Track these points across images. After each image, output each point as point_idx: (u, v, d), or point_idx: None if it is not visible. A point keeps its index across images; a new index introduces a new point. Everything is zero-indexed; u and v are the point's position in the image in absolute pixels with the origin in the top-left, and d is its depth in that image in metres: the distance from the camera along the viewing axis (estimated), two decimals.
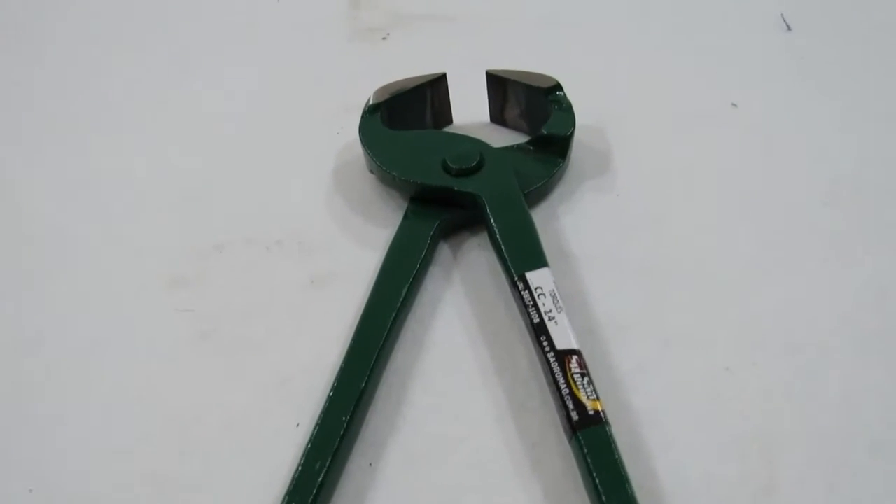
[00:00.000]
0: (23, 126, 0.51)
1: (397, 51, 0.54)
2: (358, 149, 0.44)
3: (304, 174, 0.46)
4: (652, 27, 0.53)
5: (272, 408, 0.37)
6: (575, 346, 0.35)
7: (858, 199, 0.43)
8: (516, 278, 0.37)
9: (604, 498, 0.31)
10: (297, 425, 0.36)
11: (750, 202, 0.43)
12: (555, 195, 0.44)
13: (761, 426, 0.35)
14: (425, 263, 0.40)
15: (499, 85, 0.46)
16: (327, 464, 0.34)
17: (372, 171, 0.44)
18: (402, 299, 0.39)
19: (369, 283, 0.40)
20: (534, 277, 0.37)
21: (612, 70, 0.50)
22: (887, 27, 0.51)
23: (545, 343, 0.35)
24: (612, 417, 0.34)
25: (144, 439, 0.37)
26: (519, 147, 0.44)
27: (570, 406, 0.33)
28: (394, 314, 0.38)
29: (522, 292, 0.37)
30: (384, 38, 0.55)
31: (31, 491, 0.36)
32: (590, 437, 0.33)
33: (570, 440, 0.33)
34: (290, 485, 0.33)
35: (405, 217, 0.42)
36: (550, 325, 0.35)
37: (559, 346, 0.35)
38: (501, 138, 0.46)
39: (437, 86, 0.46)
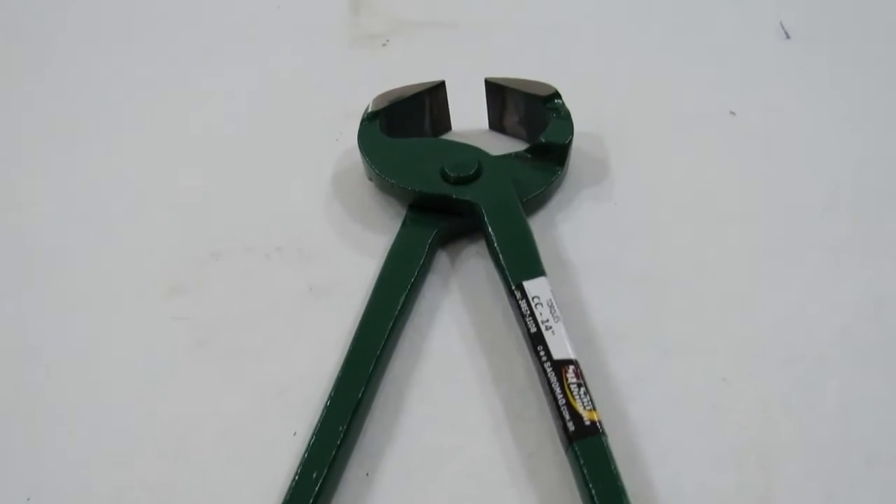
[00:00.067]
0: (20, 131, 0.51)
1: (397, 57, 0.54)
2: (357, 155, 0.44)
3: (303, 181, 0.46)
4: (651, 35, 0.53)
5: (269, 416, 0.37)
6: (572, 356, 0.35)
7: (857, 207, 0.43)
8: (514, 287, 0.37)
9: None
10: (294, 434, 0.36)
11: (748, 211, 0.43)
12: (553, 203, 0.44)
13: (758, 437, 0.35)
14: (423, 272, 0.40)
15: (497, 92, 0.46)
16: (324, 473, 0.34)
17: (371, 179, 0.44)
18: (399, 308, 0.39)
19: (367, 291, 0.40)
20: (531, 287, 0.37)
21: (611, 78, 0.50)
22: (886, 35, 0.51)
23: (542, 353, 0.35)
24: (608, 427, 0.34)
25: (141, 447, 0.37)
26: (517, 155, 0.44)
27: (567, 416, 0.33)
28: (391, 323, 0.38)
29: (520, 301, 0.37)
30: (384, 45, 0.55)
31: (28, 499, 0.36)
32: (586, 447, 0.33)
33: (566, 450, 0.33)
34: (287, 494, 0.33)
35: (403, 225, 0.42)
36: (547, 335, 0.35)
37: (556, 356, 0.35)
38: (500, 146, 0.46)
39: (435, 93, 0.46)
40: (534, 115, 0.45)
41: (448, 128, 0.48)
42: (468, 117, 0.47)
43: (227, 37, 0.56)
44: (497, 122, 0.47)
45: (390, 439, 0.36)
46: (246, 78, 0.53)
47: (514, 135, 0.47)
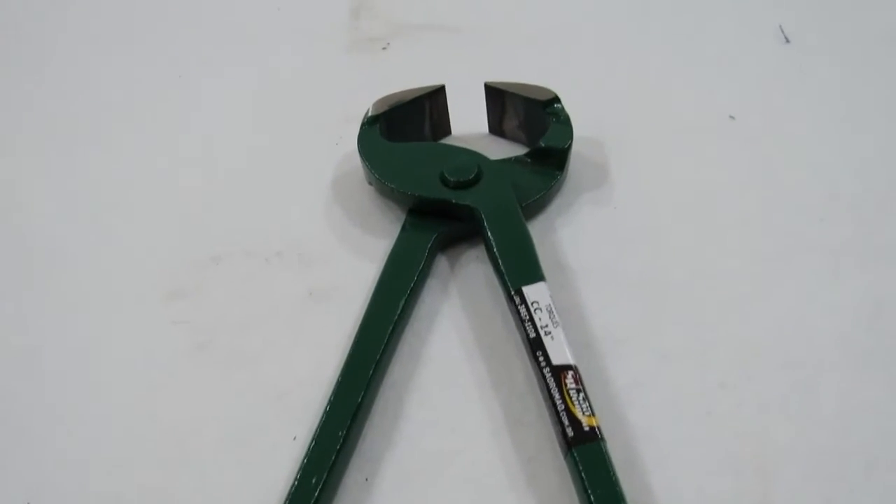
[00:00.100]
0: (20, 131, 0.51)
1: (397, 61, 0.54)
2: (357, 159, 0.44)
3: (303, 185, 0.46)
4: (651, 39, 0.53)
5: (269, 421, 0.37)
6: (571, 361, 0.35)
7: (857, 212, 0.43)
8: (513, 292, 0.38)
9: None
10: (294, 438, 0.36)
11: (748, 215, 0.43)
12: (552, 207, 0.44)
13: (757, 442, 0.35)
14: (423, 276, 0.41)
15: (497, 97, 0.46)
16: (323, 479, 0.34)
17: (370, 183, 0.44)
18: (399, 313, 0.39)
19: (367, 296, 0.40)
20: (530, 292, 0.37)
21: (610, 82, 0.50)
22: (886, 40, 0.51)
23: (541, 358, 0.35)
24: (607, 432, 0.34)
25: (141, 451, 0.37)
26: (517, 159, 0.44)
27: (566, 422, 0.33)
28: (391, 328, 0.38)
29: (519, 307, 0.37)
30: (384, 49, 0.55)
31: (28, 503, 0.36)
32: (585, 453, 0.33)
33: (565, 456, 0.33)
34: (286, 499, 0.34)
35: (403, 229, 0.42)
36: (546, 340, 0.36)
37: (555, 361, 0.35)
38: (500, 150, 0.46)
39: (435, 97, 0.46)
40: (533, 119, 0.45)
41: (448, 132, 0.48)
42: (468, 121, 0.48)
43: (227, 39, 0.56)
44: (497, 127, 0.47)
45: (390, 444, 0.36)
46: (246, 81, 0.53)
47: (513, 139, 0.47)
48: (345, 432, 0.35)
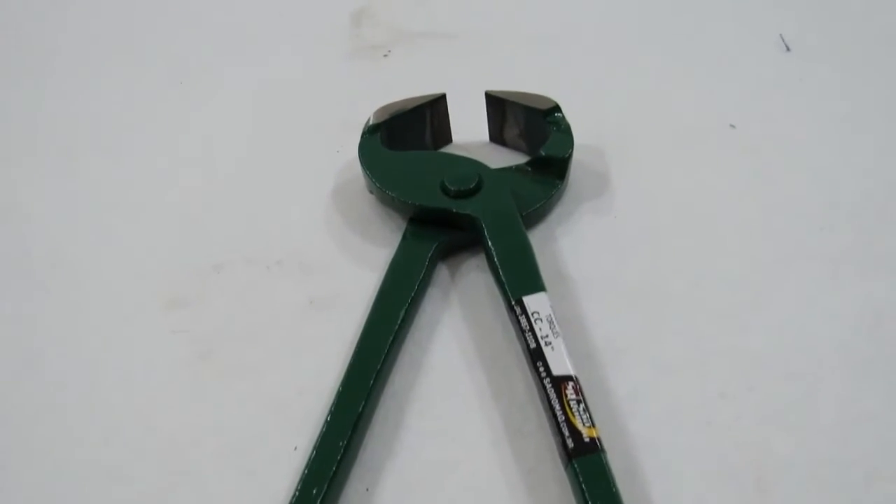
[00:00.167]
0: (20, 140, 0.51)
1: (398, 68, 0.54)
2: (358, 167, 0.44)
3: (304, 193, 0.46)
4: (651, 48, 0.53)
5: (270, 430, 0.37)
6: (571, 372, 0.35)
7: (857, 221, 0.43)
8: (513, 303, 0.38)
9: None
10: (295, 448, 0.36)
11: (747, 225, 0.43)
12: (553, 216, 0.44)
13: (757, 452, 0.35)
14: (423, 285, 0.41)
15: (498, 106, 0.46)
16: (324, 489, 0.34)
17: (371, 192, 0.44)
18: (399, 322, 0.39)
19: (368, 305, 0.40)
20: (531, 302, 0.37)
21: (611, 90, 0.50)
22: (886, 48, 0.51)
23: (541, 369, 0.35)
24: (607, 443, 0.34)
25: (141, 461, 0.37)
26: (517, 168, 0.44)
27: (566, 433, 0.34)
28: (392, 337, 0.38)
29: (519, 317, 0.37)
30: (385, 56, 0.55)
31: None
32: (585, 464, 0.33)
33: (565, 467, 0.34)
34: None
35: (404, 238, 0.42)
36: (547, 351, 0.36)
37: (555, 372, 0.35)
38: (500, 158, 0.46)
39: (436, 106, 0.46)
40: (534, 128, 0.45)
41: (449, 140, 0.48)
42: (469, 129, 0.48)
43: (229, 46, 0.57)
44: (497, 135, 0.47)
45: (390, 454, 0.36)
46: (247, 87, 0.53)
47: (514, 147, 0.47)
48: (345, 442, 0.35)
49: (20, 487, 0.37)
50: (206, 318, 0.41)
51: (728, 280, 0.41)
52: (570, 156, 0.44)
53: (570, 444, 0.33)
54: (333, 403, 0.36)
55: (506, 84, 0.46)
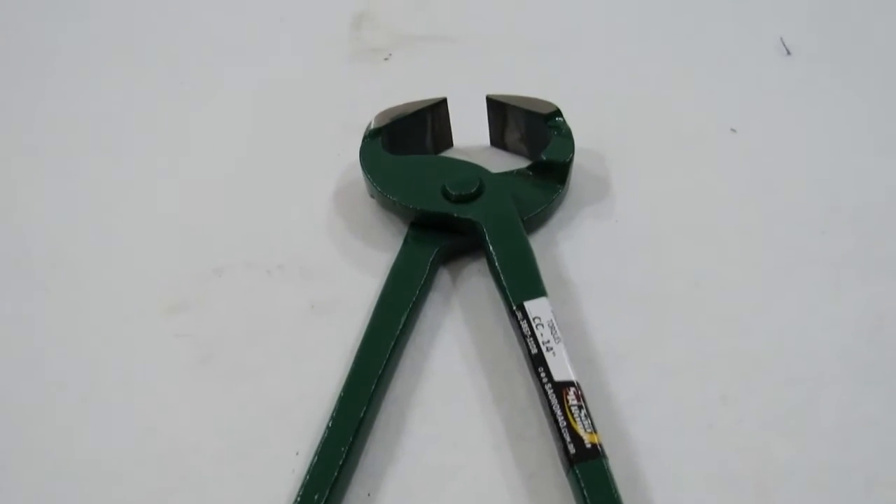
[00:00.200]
0: (21, 148, 0.51)
1: (399, 72, 0.54)
2: (359, 171, 0.44)
3: (305, 197, 0.46)
4: (652, 51, 0.53)
5: (271, 435, 0.37)
6: (573, 377, 0.35)
7: (857, 226, 0.43)
8: (515, 308, 0.38)
9: None
10: (297, 453, 0.36)
11: (748, 229, 0.43)
12: (554, 221, 0.44)
13: (758, 457, 0.35)
14: (425, 290, 0.41)
15: (499, 110, 0.46)
16: (326, 494, 0.34)
17: (372, 196, 0.44)
18: (401, 327, 0.39)
19: (369, 309, 0.40)
20: (532, 307, 0.37)
21: (612, 94, 0.50)
22: (886, 52, 0.51)
23: (543, 374, 0.35)
24: (609, 447, 0.34)
25: (142, 465, 0.37)
26: (518, 172, 0.44)
27: (568, 439, 0.34)
28: (393, 342, 0.38)
29: (521, 322, 0.37)
30: (386, 59, 0.55)
31: None
32: (587, 470, 0.33)
33: (567, 473, 0.34)
34: None
35: (405, 242, 0.42)
36: (548, 356, 0.36)
37: (557, 377, 0.35)
38: (502, 162, 0.46)
39: (437, 110, 0.46)
40: (535, 132, 0.45)
41: (450, 144, 0.48)
42: (470, 133, 0.48)
43: (230, 49, 0.56)
44: (498, 139, 0.47)
45: (392, 459, 0.36)
46: (248, 91, 0.53)
47: (515, 151, 0.47)
48: (347, 447, 0.35)
49: (20, 490, 0.37)
50: (207, 322, 0.41)
51: (729, 284, 0.41)
52: (571, 160, 0.44)
53: (571, 449, 0.33)
54: (335, 408, 0.36)
55: (506, 88, 0.46)
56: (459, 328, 0.40)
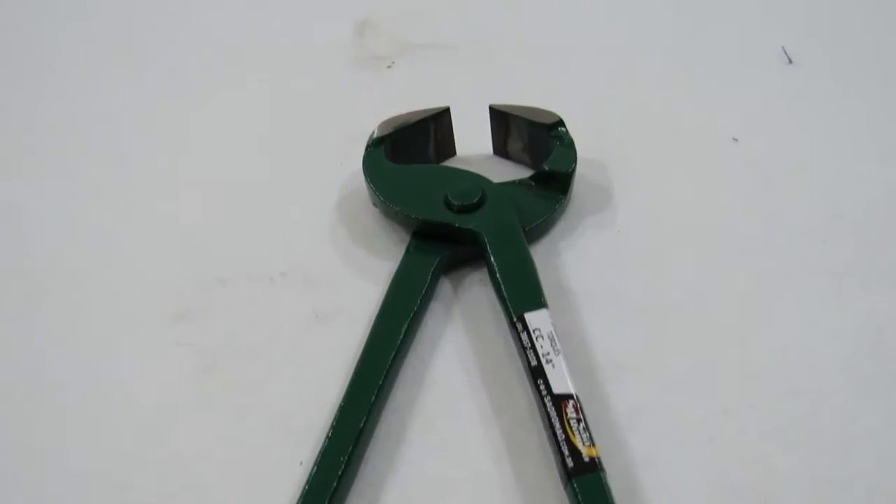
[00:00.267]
0: (23, 157, 0.51)
1: (402, 79, 0.54)
2: (361, 180, 0.44)
3: (307, 205, 0.46)
4: (653, 61, 0.53)
5: (274, 445, 0.37)
6: (572, 390, 0.35)
7: (859, 236, 0.43)
8: (515, 319, 0.38)
9: None
10: (301, 463, 0.36)
11: (750, 238, 0.43)
12: (556, 231, 0.44)
13: (759, 469, 0.35)
14: (426, 300, 0.41)
15: (501, 119, 0.46)
16: None
17: (375, 205, 0.45)
18: (402, 336, 0.39)
19: (371, 318, 0.40)
20: (532, 319, 0.37)
21: (613, 104, 0.50)
22: (888, 61, 0.51)
23: (542, 387, 0.35)
24: (608, 459, 0.34)
25: (144, 473, 0.37)
26: (521, 182, 0.44)
27: (566, 452, 0.34)
28: (394, 352, 0.38)
29: (521, 334, 0.37)
30: (389, 67, 0.55)
31: None
32: (585, 484, 0.33)
33: (565, 486, 0.34)
34: None
35: (407, 252, 0.42)
36: (548, 369, 0.36)
37: (556, 390, 0.35)
38: (504, 171, 0.46)
39: (440, 119, 0.46)
40: (537, 142, 0.45)
41: (453, 153, 0.48)
42: (473, 141, 0.48)
43: (232, 57, 0.57)
44: (501, 148, 0.47)
45: (392, 469, 0.36)
46: (250, 99, 0.54)
47: (518, 161, 0.47)
48: (347, 457, 0.35)
49: (24, 499, 0.37)
50: (210, 331, 0.42)
51: (730, 294, 0.41)
52: (574, 170, 0.44)
53: (569, 463, 0.33)
54: (335, 418, 0.36)
55: (509, 96, 0.47)
56: (460, 338, 0.40)
